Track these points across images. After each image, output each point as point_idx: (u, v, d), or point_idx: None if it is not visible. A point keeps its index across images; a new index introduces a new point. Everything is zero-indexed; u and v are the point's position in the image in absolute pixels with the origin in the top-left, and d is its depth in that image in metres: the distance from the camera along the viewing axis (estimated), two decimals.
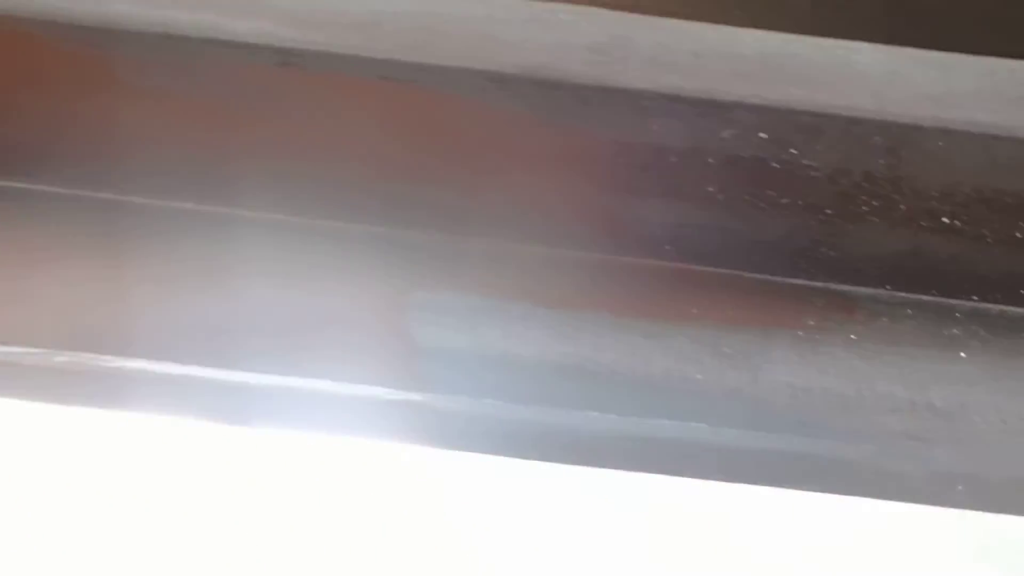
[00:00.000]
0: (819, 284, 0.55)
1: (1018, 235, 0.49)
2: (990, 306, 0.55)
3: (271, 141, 0.51)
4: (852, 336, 0.53)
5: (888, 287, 0.55)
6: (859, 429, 0.47)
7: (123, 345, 0.49)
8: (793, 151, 0.45)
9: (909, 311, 0.54)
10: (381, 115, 0.46)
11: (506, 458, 0.49)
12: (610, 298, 0.54)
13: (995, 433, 0.48)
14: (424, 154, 0.49)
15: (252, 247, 0.55)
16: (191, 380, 0.49)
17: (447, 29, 0.42)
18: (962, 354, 0.52)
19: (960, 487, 0.47)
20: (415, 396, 0.48)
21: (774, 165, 0.46)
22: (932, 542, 0.57)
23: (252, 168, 0.54)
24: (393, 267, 0.54)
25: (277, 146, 0.50)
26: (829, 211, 0.49)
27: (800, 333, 0.52)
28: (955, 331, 0.53)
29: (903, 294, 0.55)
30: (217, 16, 0.42)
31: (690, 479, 0.49)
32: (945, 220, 0.49)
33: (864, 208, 0.49)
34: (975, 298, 0.54)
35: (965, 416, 0.49)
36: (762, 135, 0.44)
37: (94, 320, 0.50)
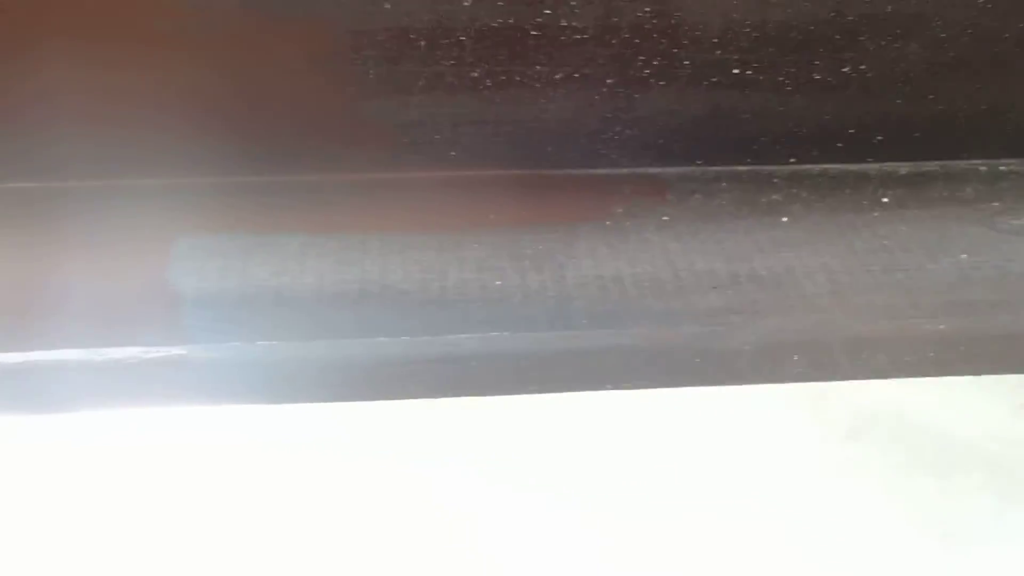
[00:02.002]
0: (624, 171, 0.49)
1: (817, 76, 0.43)
2: (810, 167, 0.49)
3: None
4: (664, 218, 0.47)
5: (699, 163, 0.49)
6: (678, 312, 0.41)
7: None
8: (547, 11, 0.38)
9: (724, 184, 0.48)
10: (81, 32, 0.39)
11: (289, 404, 0.42)
12: (397, 217, 0.47)
13: (825, 295, 0.42)
14: (158, 100, 0.42)
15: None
16: None
17: None
18: (784, 219, 0.47)
19: (796, 357, 0.41)
20: (177, 350, 0.40)
21: (532, 32, 0.39)
22: (797, 428, 0.52)
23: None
24: (152, 220, 0.47)
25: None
26: (610, 80, 0.43)
27: (608, 223, 0.46)
28: (775, 197, 0.48)
29: (716, 168, 0.49)
30: None
31: (496, 395, 0.42)
32: (736, 71, 0.43)
33: (646, 71, 0.43)
34: (793, 161, 0.48)
35: (793, 281, 0.43)
36: None
37: None
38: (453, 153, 0.48)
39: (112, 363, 0.41)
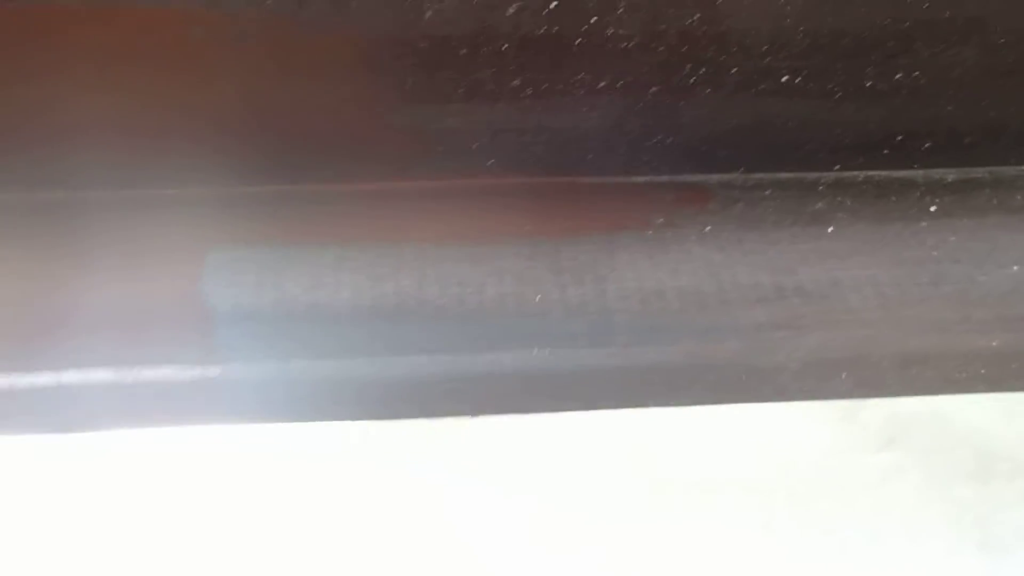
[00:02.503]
0: (665, 178, 0.47)
1: (868, 83, 0.41)
2: (855, 173, 0.47)
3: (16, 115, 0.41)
4: (707, 228, 0.45)
5: (742, 170, 0.47)
6: (722, 327, 0.40)
7: None
8: (593, 19, 0.36)
9: (767, 192, 0.47)
10: (105, 51, 0.37)
11: (326, 423, 0.40)
12: (432, 227, 0.46)
13: (873, 309, 0.40)
14: (184, 110, 0.40)
15: (21, 230, 0.46)
16: None
17: None
18: (829, 228, 0.45)
19: (843, 375, 0.40)
20: (212, 370, 0.39)
21: (577, 41, 0.38)
22: (834, 436, 0.50)
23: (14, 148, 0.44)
24: (181, 231, 0.45)
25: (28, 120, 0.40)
26: (654, 89, 0.41)
27: (649, 233, 0.45)
28: (820, 205, 0.46)
29: (759, 175, 0.47)
30: None
31: (538, 413, 0.41)
32: (785, 79, 0.41)
33: (692, 79, 0.41)
34: (837, 167, 0.47)
35: (839, 295, 0.41)
36: (553, 4, 0.35)
37: None
38: (491, 161, 0.46)
39: (146, 384, 0.40)
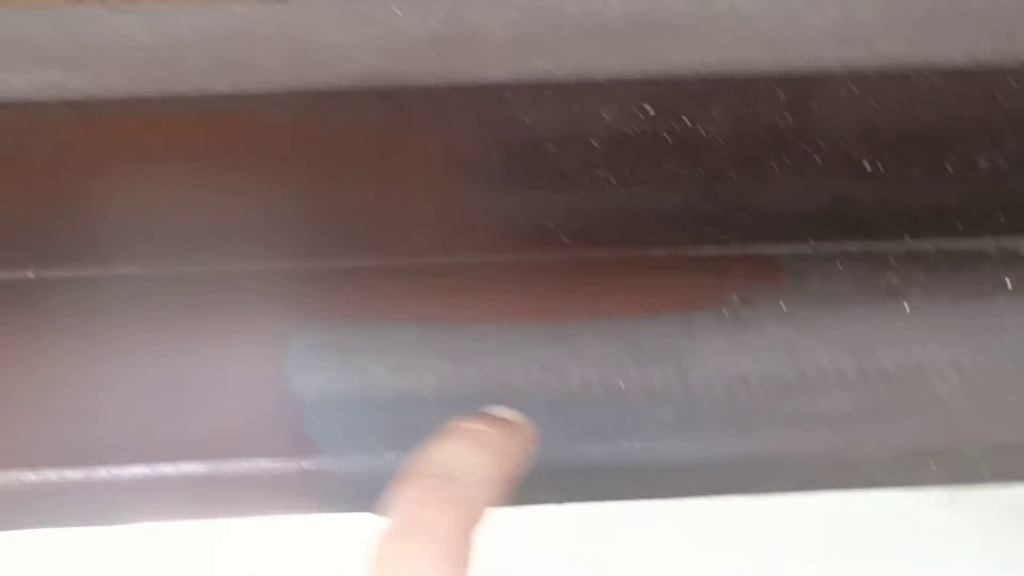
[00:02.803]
0: (735, 251, 0.47)
1: (949, 168, 0.41)
2: (925, 244, 0.47)
3: (97, 196, 0.42)
4: (783, 305, 0.45)
5: (812, 241, 0.47)
6: (808, 416, 0.40)
7: None
8: (685, 120, 0.36)
9: (839, 264, 0.47)
10: (210, 155, 0.37)
11: None
12: (509, 304, 0.46)
13: (959, 396, 0.41)
14: (268, 186, 0.41)
15: (102, 308, 0.46)
16: (46, 486, 0.40)
17: (261, 48, 0.33)
18: (906, 306, 0.45)
19: (932, 465, 0.40)
20: (305, 464, 0.39)
21: (666, 137, 0.38)
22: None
23: (90, 227, 0.45)
24: (259, 309, 0.46)
25: (89, 203, 0.41)
26: (736, 176, 0.41)
27: (725, 312, 0.45)
28: (893, 280, 0.46)
29: (829, 245, 0.48)
30: None
31: (623, 501, 0.41)
32: (866, 165, 0.41)
33: (775, 168, 0.41)
34: (908, 238, 0.47)
35: (923, 380, 0.42)
36: (648, 110, 0.36)
37: None
38: (563, 237, 0.47)
39: (238, 476, 0.40)
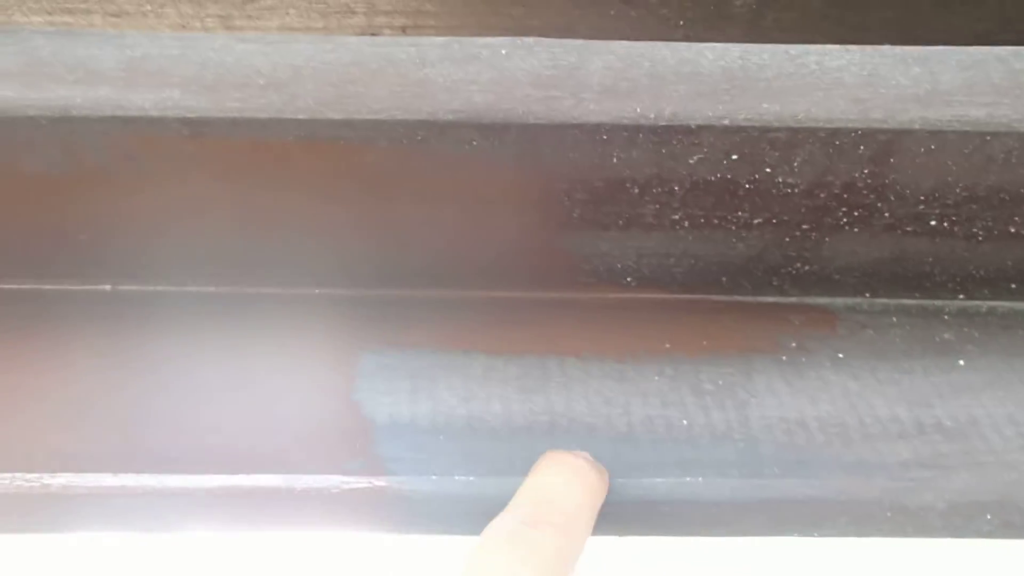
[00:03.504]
0: (793, 299, 0.49)
1: (1012, 229, 0.43)
2: (979, 303, 0.49)
3: (188, 214, 0.43)
4: (839, 355, 0.46)
5: (868, 295, 0.48)
6: (867, 463, 0.41)
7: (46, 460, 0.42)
8: (767, 169, 0.38)
9: (894, 318, 0.48)
10: (310, 178, 0.39)
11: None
12: (574, 339, 0.47)
13: (1015, 450, 0.42)
14: (359, 211, 0.42)
15: (178, 324, 0.47)
16: (126, 491, 0.41)
17: (372, 77, 0.35)
18: (960, 361, 0.46)
19: (989, 516, 0.41)
20: (378, 482, 0.40)
21: (745, 186, 0.39)
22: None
23: (173, 244, 0.46)
24: (333, 332, 0.47)
25: (196, 219, 0.42)
26: (805, 226, 0.43)
27: (783, 358, 0.46)
28: (947, 335, 0.47)
29: (884, 300, 0.49)
30: (115, 91, 0.34)
31: (682, 536, 0.42)
32: (933, 223, 0.42)
33: (844, 220, 0.42)
34: (961, 297, 0.48)
35: (979, 433, 0.43)
36: (733, 157, 0.37)
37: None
38: (629, 279, 0.48)
39: (312, 491, 0.41)
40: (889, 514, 0.42)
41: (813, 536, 0.43)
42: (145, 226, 0.44)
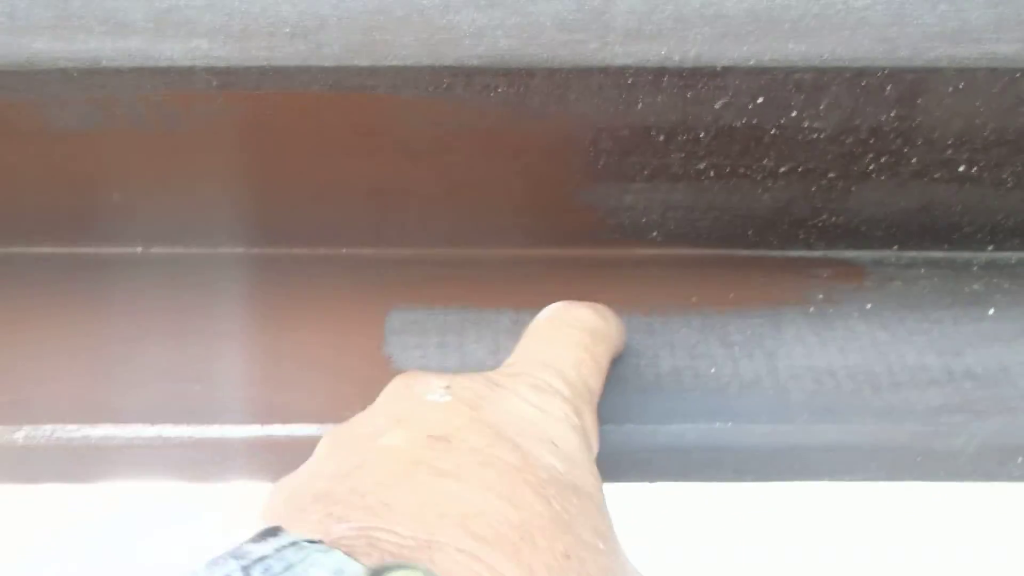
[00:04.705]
0: (819, 253, 0.48)
1: None
2: (1008, 254, 0.48)
3: (218, 173, 0.43)
4: (867, 305, 0.46)
5: (896, 247, 0.48)
6: (897, 409, 0.40)
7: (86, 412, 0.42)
8: (793, 113, 0.37)
9: (922, 270, 0.47)
10: (336, 132, 0.38)
11: None
12: (599, 295, 0.47)
13: None
14: (385, 168, 0.42)
15: (210, 284, 0.47)
16: (163, 441, 0.41)
17: (398, 25, 0.34)
18: (990, 310, 0.46)
19: (1020, 460, 0.40)
20: None
21: (771, 131, 0.39)
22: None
23: (200, 202, 0.46)
24: (361, 291, 0.47)
25: (226, 178, 0.42)
26: (832, 175, 0.42)
27: (811, 309, 0.46)
28: (976, 286, 0.47)
29: (912, 253, 0.48)
30: (144, 42, 0.34)
31: (712, 482, 0.42)
32: (961, 169, 0.42)
33: (871, 167, 0.42)
34: (991, 248, 0.47)
35: (1009, 380, 0.42)
36: (759, 100, 0.36)
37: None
38: (655, 233, 0.47)
39: None
40: (919, 459, 0.41)
41: (843, 481, 0.42)
42: (176, 185, 0.44)
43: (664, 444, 0.41)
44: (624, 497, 0.43)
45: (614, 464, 0.42)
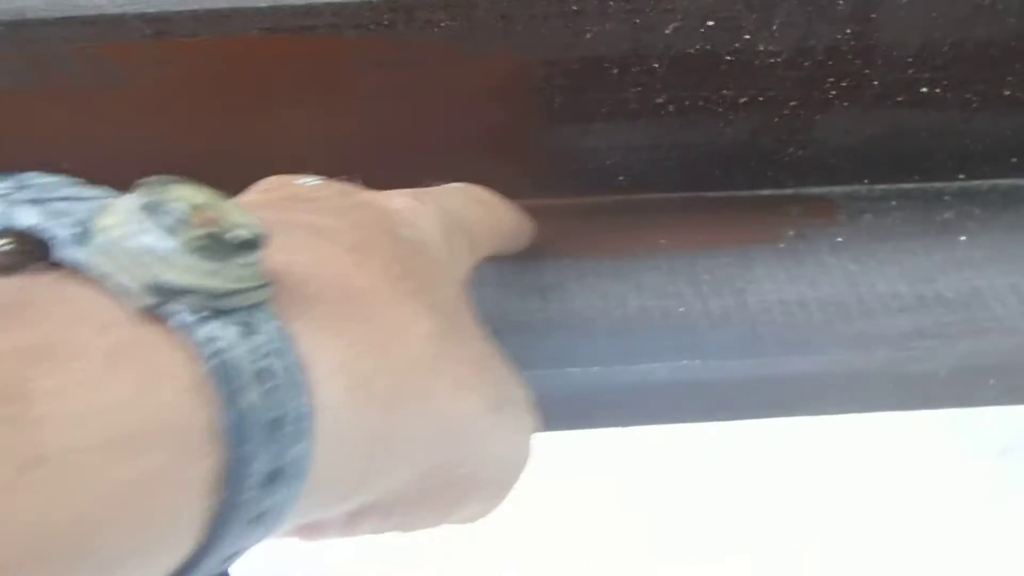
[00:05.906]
0: (790, 191, 0.47)
1: (1007, 92, 0.40)
2: (979, 182, 0.47)
3: (166, 133, 0.41)
4: (838, 239, 0.45)
5: (867, 181, 0.46)
6: (868, 337, 0.39)
7: None
8: (746, 36, 0.36)
9: (893, 202, 0.46)
10: (277, 81, 0.37)
11: None
12: (568, 243, 0.45)
13: (1018, 316, 0.40)
14: (327, 114, 0.40)
15: None
16: None
17: None
18: (962, 237, 0.44)
19: (992, 381, 0.39)
20: None
21: (727, 58, 0.37)
22: (951, 445, 0.49)
23: (147, 161, 0.44)
24: None
25: (174, 140, 0.40)
26: (793, 103, 0.41)
27: (781, 246, 0.44)
28: (947, 215, 0.45)
29: (883, 186, 0.47)
30: None
31: (686, 422, 0.40)
32: (924, 90, 0.40)
33: (832, 92, 0.40)
34: (962, 176, 0.46)
35: (981, 303, 0.41)
36: (709, 23, 0.35)
37: None
38: (621, 178, 0.46)
39: None
40: (891, 385, 0.40)
41: (817, 414, 0.41)
42: (123, 149, 0.43)
43: (633, 384, 0.40)
44: (597, 441, 0.42)
45: (585, 408, 0.41)
